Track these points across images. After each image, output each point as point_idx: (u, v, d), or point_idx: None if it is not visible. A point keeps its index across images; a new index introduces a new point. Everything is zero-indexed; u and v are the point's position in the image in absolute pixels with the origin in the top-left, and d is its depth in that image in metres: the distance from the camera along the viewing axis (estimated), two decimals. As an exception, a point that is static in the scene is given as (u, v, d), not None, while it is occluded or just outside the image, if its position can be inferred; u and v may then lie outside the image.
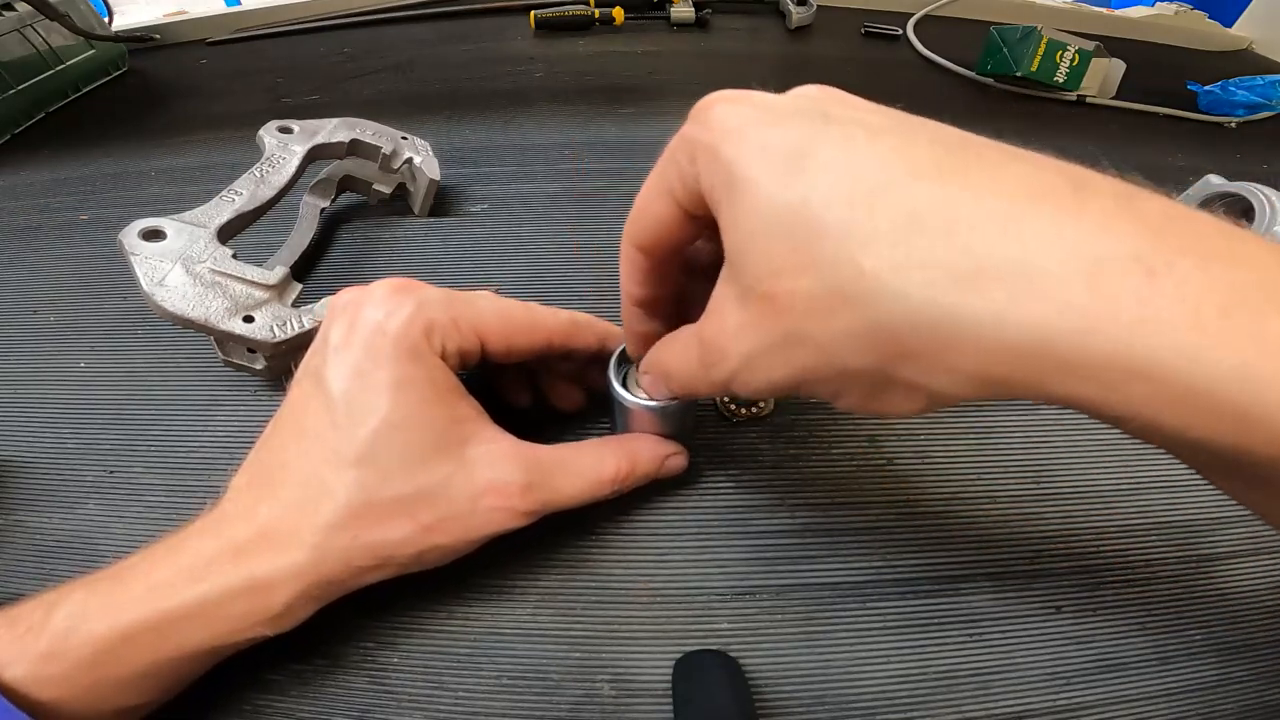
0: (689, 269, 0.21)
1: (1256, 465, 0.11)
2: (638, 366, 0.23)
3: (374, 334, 0.20)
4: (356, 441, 0.19)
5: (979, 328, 0.12)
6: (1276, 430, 0.11)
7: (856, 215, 0.13)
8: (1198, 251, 0.11)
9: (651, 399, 0.23)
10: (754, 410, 0.27)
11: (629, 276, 0.20)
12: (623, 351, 0.24)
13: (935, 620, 0.22)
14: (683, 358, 0.19)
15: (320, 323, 0.26)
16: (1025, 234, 0.12)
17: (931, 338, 0.12)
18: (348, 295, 0.21)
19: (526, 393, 0.27)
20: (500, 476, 0.20)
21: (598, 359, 0.25)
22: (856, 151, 0.14)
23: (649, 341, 0.21)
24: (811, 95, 0.17)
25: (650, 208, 0.18)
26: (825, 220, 0.13)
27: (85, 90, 0.57)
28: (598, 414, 0.28)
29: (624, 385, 0.23)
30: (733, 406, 0.27)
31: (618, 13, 0.66)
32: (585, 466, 0.22)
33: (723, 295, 0.16)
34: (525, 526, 0.21)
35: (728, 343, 0.16)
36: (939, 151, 0.13)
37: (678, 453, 0.24)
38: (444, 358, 0.20)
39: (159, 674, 0.18)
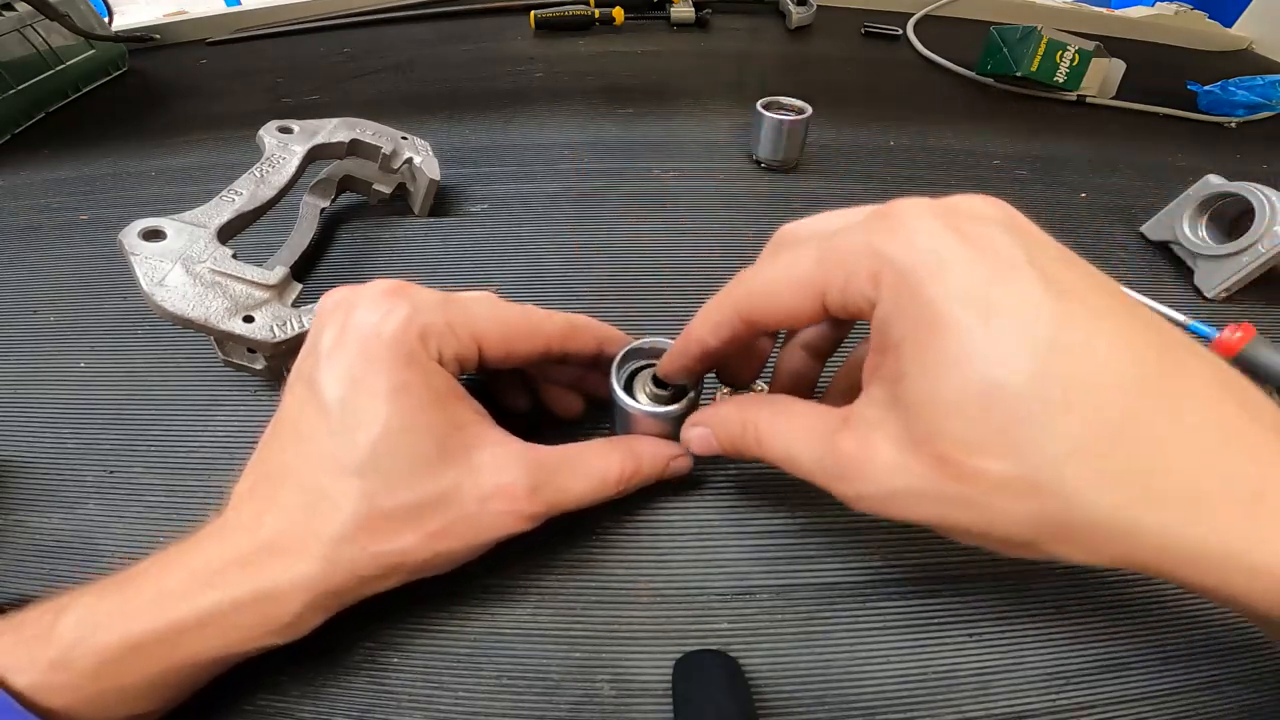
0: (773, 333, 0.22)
1: None
2: (660, 378, 0.23)
3: (368, 338, 0.19)
4: (358, 450, 0.18)
5: (1143, 534, 0.14)
6: None
7: (1070, 419, 0.13)
8: None
9: (654, 405, 0.23)
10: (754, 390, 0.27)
11: (713, 333, 0.20)
12: (624, 355, 0.24)
13: (935, 620, 0.22)
14: (797, 442, 0.19)
15: (320, 323, 0.26)
16: (1211, 465, 0.14)
17: (1096, 533, 0.14)
18: (338, 295, 0.21)
19: (524, 396, 0.27)
20: (506, 480, 0.20)
21: (596, 363, 0.24)
22: (1075, 335, 0.14)
23: (691, 374, 0.22)
24: (1000, 221, 0.15)
25: (782, 295, 0.18)
26: (1034, 412, 0.14)
27: (85, 90, 0.57)
28: (597, 417, 0.28)
29: (626, 390, 0.23)
30: (727, 392, 0.27)
31: (618, 13, 0.66)
32: (590, 467, 0.22)
33: (881, 425, 0.16)
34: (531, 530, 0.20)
35: (875, 472, 0.16)
36: (1151, 354, 0.14)
37: (682, 454, 0.24)
38: (441, 363, 0.20)
39: (167, 683, 0.18)
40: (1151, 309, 0.33)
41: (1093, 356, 0.14)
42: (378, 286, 0.20)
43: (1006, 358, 0.14)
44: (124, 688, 0.17)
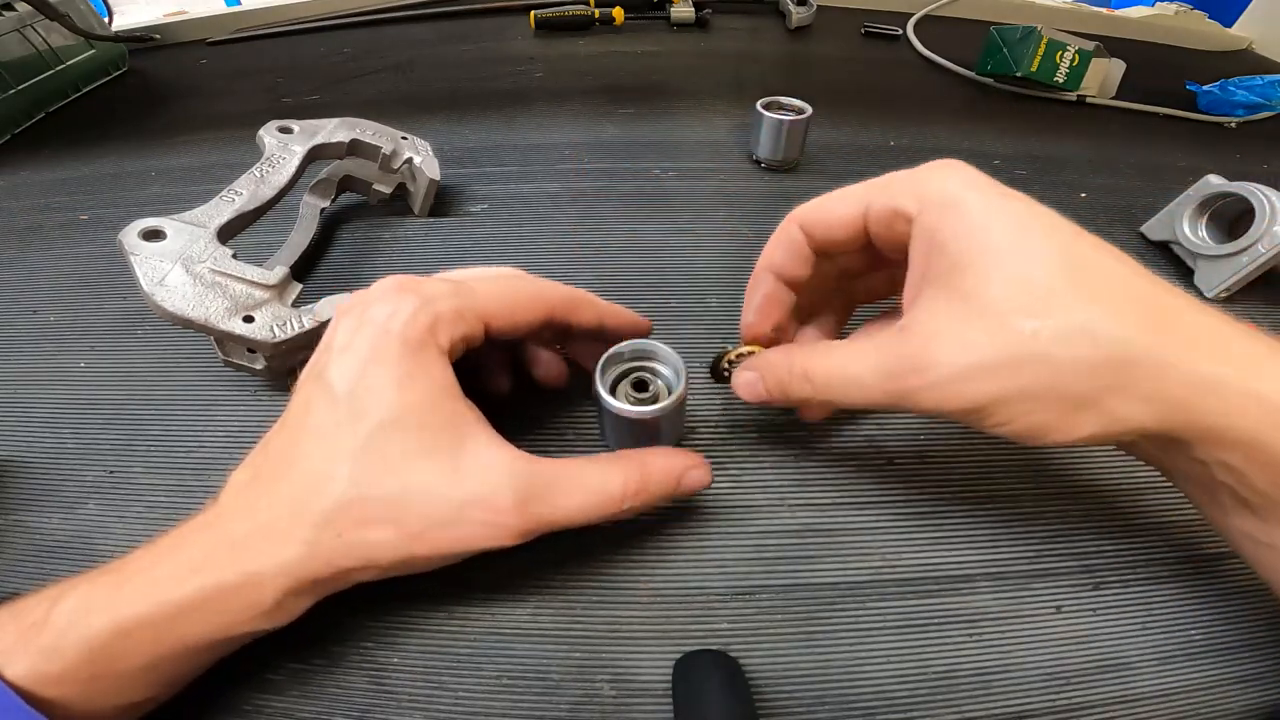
0: (822, 287, 0.25)
1: None
2: (738, 352, 0.25)
3: (379, 333, 0.20)
4: (358, 436, 0.19)
5: (1175, 371, 0.16)
6: None
7: (1101, 283, 0.17)
8: None
9: (636, 407, 0.23)
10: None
11: (776, 244, 0.23)
12: (606, 359, 0.24)
13: (935, 620, 0.22)
14: (854, 362, 0.20)
15: (320, 322, 0.26)
16: (1213, 325, 0.17)
17: (1140, 371, 0.16)
18: (354, 298, 0.21)
19: (506, 376, 0.27)
20: (490, 489, 0.19)
21: (598, 336, 0.24)
22: (1084, 239, 0.19)
23: (762, 312, 0.24)
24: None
25: (834, 206, 0.22)
26: (1071, 281, 0.17)
27: (85, 90, 0.57)
28: (594, 418, 0.28)
29: (611, 393, 0.23)
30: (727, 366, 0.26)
31: (618, 13, 0.66)
32: (590, 481, 0.21)
33: (944, 316, 0.18)
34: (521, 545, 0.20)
35: (944, 355, 0.18)
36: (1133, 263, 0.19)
37: (697, 465, 0.23)
38: (450, 349, 0.20)
39: (159, 669, 0.18)
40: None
41: (1101, 251, 0.18)
42: (389, 283, 0.21)
43: (1041, 246, 0.18)
44: (115, 674, 0.17)
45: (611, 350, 0.24)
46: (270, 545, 0.18)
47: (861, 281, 0.26)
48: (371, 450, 0.19)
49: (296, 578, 0.18)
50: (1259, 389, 0.16)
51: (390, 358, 0.19)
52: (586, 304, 0.24)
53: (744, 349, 0.25)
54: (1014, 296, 0.17)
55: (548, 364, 0.27)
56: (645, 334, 0.26)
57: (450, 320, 0.20)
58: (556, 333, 0.24)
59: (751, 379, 0.23)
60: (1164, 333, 0.17)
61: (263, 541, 0.18)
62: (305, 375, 0.21)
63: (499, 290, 0.22)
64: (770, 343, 0.25)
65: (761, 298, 0.24)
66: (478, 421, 0.21)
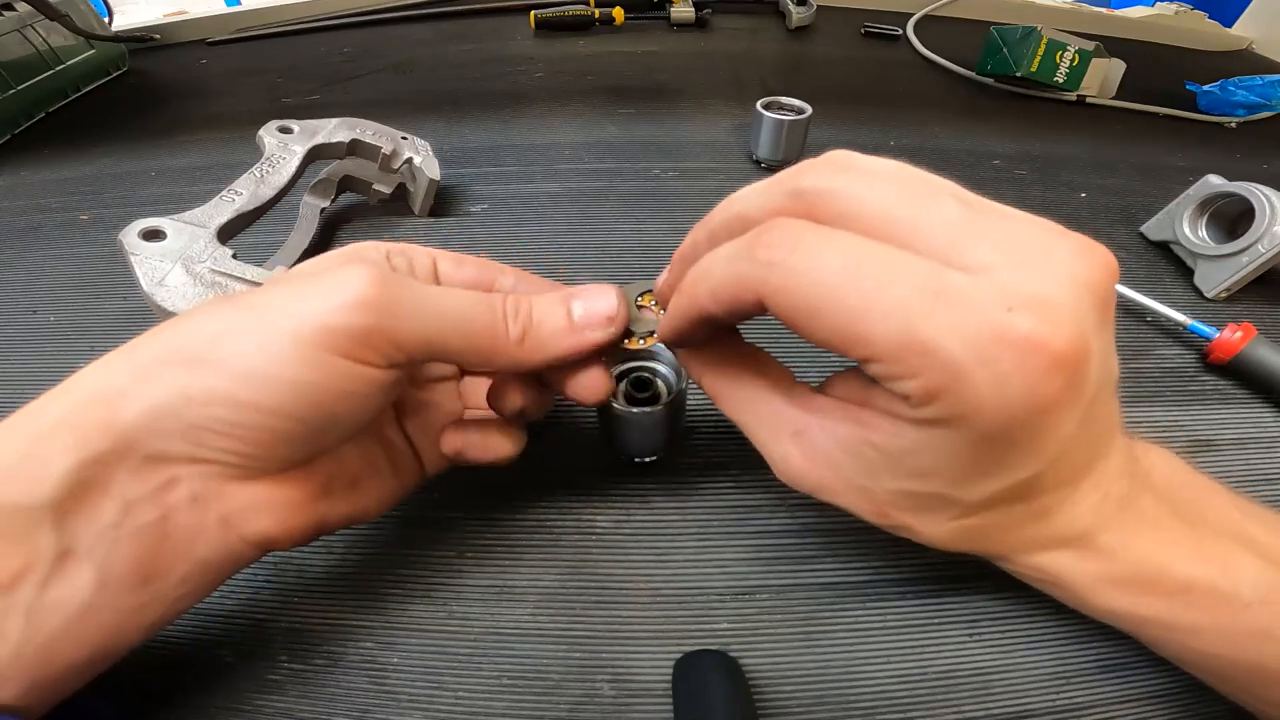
0: None
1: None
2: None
3: (279, 310, 0.16)
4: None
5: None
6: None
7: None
8: None
9: (636, 406, 0.23)
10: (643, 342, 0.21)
11: (723, 305, 0.16)
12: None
13: (935, 620, 0.22)
14: (749, 415, 0.19)
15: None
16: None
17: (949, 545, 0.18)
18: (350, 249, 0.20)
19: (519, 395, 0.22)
20: (347, 266, 0.16)
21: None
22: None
23: (676, 336, 0.19)
24: (1101, 334, 0.14)
25: (820, 323, 0.14)
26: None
27: (85, 90, 0.57)
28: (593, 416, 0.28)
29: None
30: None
31: (618, 13, 0.66)
32: (449, 290, 0.18)
33: (844, 468, 0.17)
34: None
35: (812, 486, 0.18)
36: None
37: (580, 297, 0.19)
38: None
39: None
40: (1152, 309, 0.33)
41: (1026, 483, 0.16)
42: (338, 253, 0.19)
43: (976, 489, 0.16)
44: None
45: None
46: (79, 378, 0.16)
47: None
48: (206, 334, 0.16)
49: (67, 401, 0.16)
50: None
51: (287, 345, 0.16)
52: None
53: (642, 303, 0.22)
54: (909, 501, 0.17)
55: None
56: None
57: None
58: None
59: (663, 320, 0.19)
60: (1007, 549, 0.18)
61: (71, 381, 0.16)
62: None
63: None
64: None
65: (674, 330, 0.19)
66: None
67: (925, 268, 0.13)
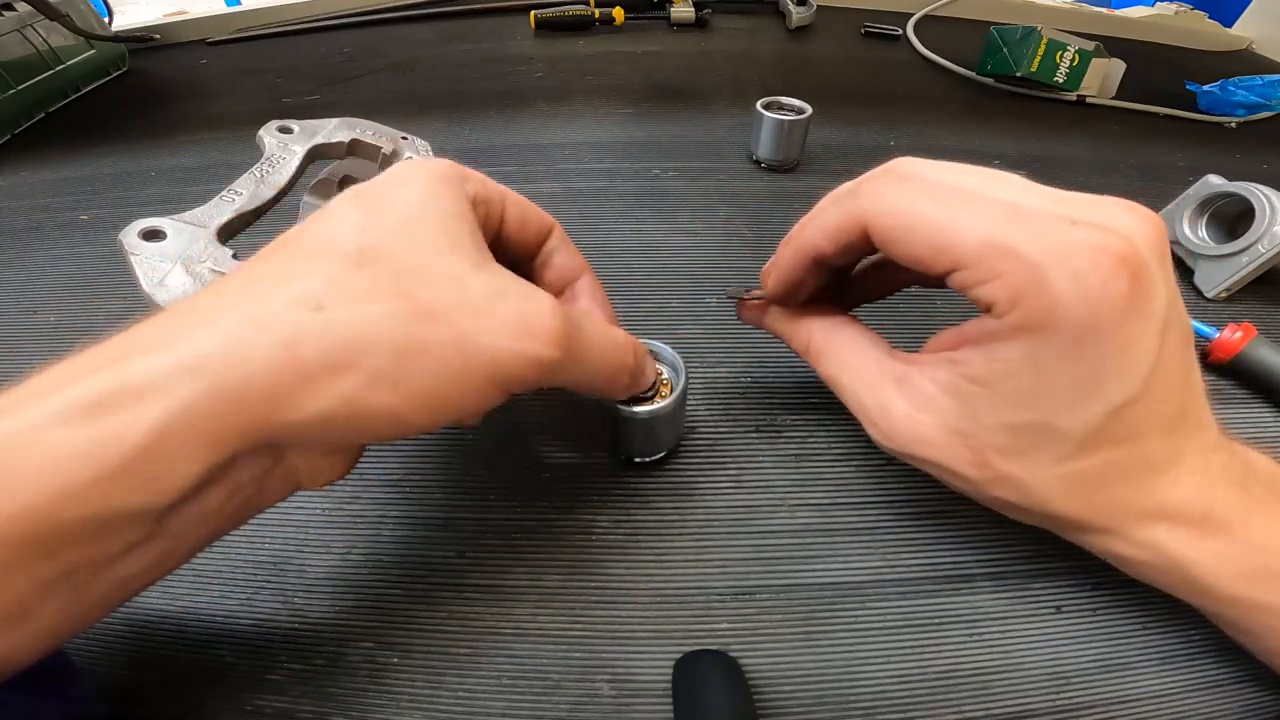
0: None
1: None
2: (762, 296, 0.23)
3: (404, 174, 0.17)
4: (361, 236, 0.15)
5: (1088, 527, 0.18)
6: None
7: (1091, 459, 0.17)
8: None
9: (637, 406, 0.23)
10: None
11: (830, 236, 0.19)
12: None
13: (935, 620, 0.22)
14: (846, 373, 0.20)
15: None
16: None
17: (1048, 521, 0.19)
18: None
19: None
20: (527, 289, 0.16)
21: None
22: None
23: (791, 292, 0.22)
24: (1162, 266, 0.16)
25: (940, 225, 0.16)
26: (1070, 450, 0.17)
27: (85, 90, 0.57)
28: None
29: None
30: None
31: (618, 13, 0.66)
32: (609, 329, 0.20)
33: (934, 410, 0.18)
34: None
35: (916, 438, 0.19)
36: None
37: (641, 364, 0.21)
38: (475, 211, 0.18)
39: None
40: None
41: (1131, 425, 0.16)
42: (408, 161, 0.19)
43: (1079, 416, 0.16)
44: None
45: None
46: (175, 335, 0.13)
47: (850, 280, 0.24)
48: (380, 240, 0.15)
49: (204, 388, 0.12)
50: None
51: (418, 181, 0.17)
52: (573, 249, 0.23)
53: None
54: (997, 439, 0.17)
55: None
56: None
57: (477, 183, 0.19)
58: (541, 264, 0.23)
59: (758, 310, 0.24)
60: (1108, 512, 0.18)
61: (167, 334, 0.13)
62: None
63: (515, 195, 0.21)
64: None
65: (785, 280, 0.22)
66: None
67: (1001, 198, 0.16)
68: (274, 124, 0.34)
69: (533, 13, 0.66)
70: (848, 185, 0.19)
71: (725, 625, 0.22)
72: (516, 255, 0.22)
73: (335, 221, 0.16)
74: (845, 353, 0.21)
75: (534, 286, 0.17)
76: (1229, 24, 0.74)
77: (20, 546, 0.11)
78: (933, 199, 0.16)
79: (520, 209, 0.21)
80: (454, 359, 0.14)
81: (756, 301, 0.24)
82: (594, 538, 0.24)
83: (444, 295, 0.14)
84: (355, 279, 0.14)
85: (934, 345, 0.19)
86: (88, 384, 0.12)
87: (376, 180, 0.17)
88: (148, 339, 0.13)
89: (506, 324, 0.15)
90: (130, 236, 0.26)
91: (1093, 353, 0.15)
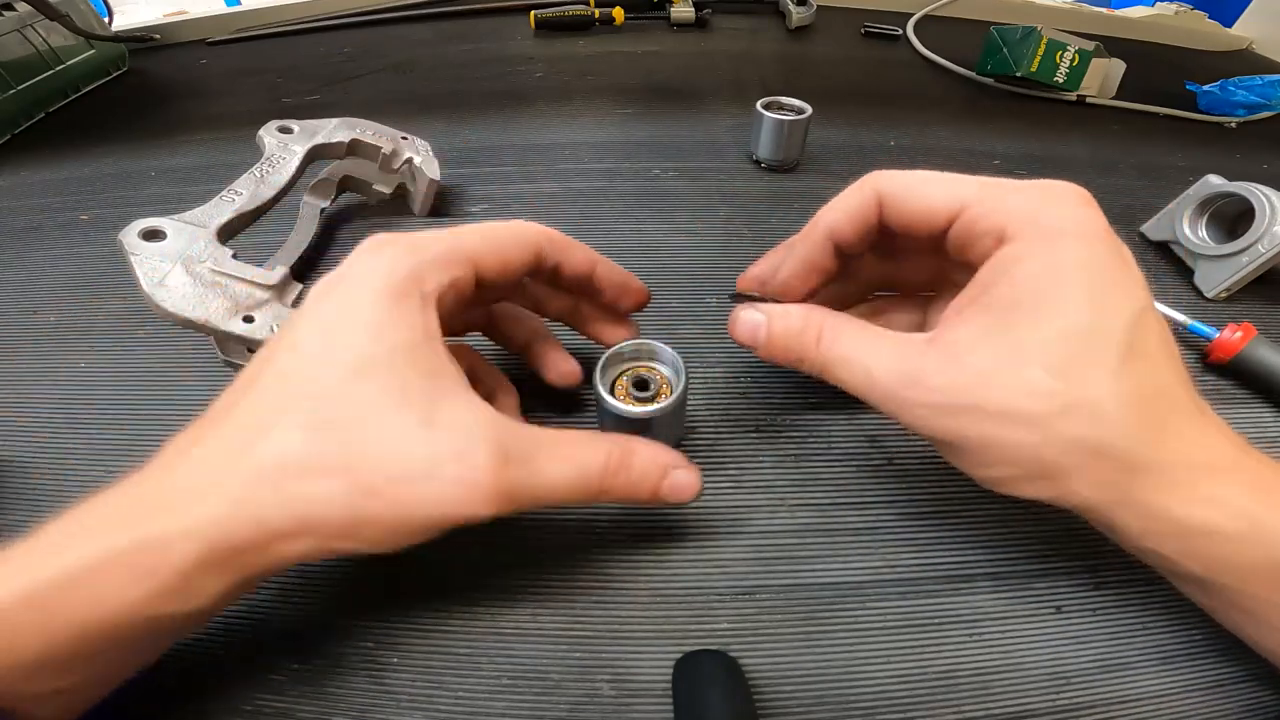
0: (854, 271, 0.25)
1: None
2: (743, 300, 0.23)
3: (355, 284, 0.18)
4: (319, 383, 0.17)
5: (1161, 517, 0.17)
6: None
7: (1135, 370, 0.17)
8: None
9: (636, 406, 0.23)
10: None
11: (848, 217, 0.22)
12: (607, 359, 0.24)
13: (935, 620, 0.22)
14: (870, 349, 0.20)
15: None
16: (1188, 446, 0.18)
17: (1104, 467, 0.17)
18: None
19: (512, 395, 0.25)
20: (467, 443, 0.17)
21: (588, 287, 0.24)
22: (1148, 316, 0.18)
23: (800, 276, 0.23)
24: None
25: (931, 192, 0.20)
26: (1114, 360, 0.17)
27: (85, 90, 0.57)
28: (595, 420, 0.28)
29: (610, 392, 0.23)
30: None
31: (618, 13, 0.66)
32: (573, 451, 0.19)
33: (975, 348, 0.18)
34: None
35: (955, 384, 0.18)
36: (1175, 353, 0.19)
37: (685, 466, 0.21)
38: (439, 296, 0.19)
39: (53, 656, 0.15)
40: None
41: (1155, 339, 0.18)
42: (369, 240, 0.20)
43: (1112, 316, 0.17)
44: (9, 662, 0.15)
45: (612, 349, 0.24)
46: (184, 504, 0.16)
47: (862, 266, 0.25)
48: (333, 397, 0.17)
49: (209, 542, 0.15)
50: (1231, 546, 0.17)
51: (364, 306, 0.18)
52: (577, 246, 0.23)
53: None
54: (1052, 353, 0.17)
55: (557, 363, 0.25)
56: (643, 300, 0.26)
57: (437, 265, 0.19)
58: (550, 280, 0.23)
59: (755, 320, 0.22)
60: (1161, 449, 0.17)
61: (176, 500, 0.16)
62: (276, 332, 0.19)
63: (486, 230, 0.21)
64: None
65: (804, 261, 0.23)
66: (458, 376, 0.19)
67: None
68: (274, 124, 0.34)
69: (533, 13, 0.66)
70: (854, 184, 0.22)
71: (725, 625, 0.22)
72: (509, 287, 0.23)
73: (296, 360, 0.18)
74: (859, 335, 0.20)
75: (483, 436, 0.17)
76: (1229, 24, 0.74)
77: (97, 638, 0.15)
78: (932, 174, 0.20)
79: (499, 256, 0.21)
80: (397, 523, 0.17)
81: (757, 302, 0.23)
82: (594, 538, 0.24)
83: (386, 468, 0.16)
84: (309, 449, 0.16)
85: (949, 312, 0.20)
86: (131, 532, 0.16)
87: (334, 298, 0.18)
88: (164, 497, 0.16)
89: (445, 491, 0.17)
90: (130, 236, 0.27)
91: (1101, 255, 0.18)
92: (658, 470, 0.20)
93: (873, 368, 0.20)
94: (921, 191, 0.20)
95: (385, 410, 0.17)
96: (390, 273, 0.18)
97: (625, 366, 0.25)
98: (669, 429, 0.24)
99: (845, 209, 0.22)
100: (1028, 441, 0.17)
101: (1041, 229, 0.18)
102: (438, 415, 0.17)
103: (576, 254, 0.23)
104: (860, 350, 0.20)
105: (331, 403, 0.17)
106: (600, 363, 0.23)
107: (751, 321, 0.22)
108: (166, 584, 0.15)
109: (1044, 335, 0.17)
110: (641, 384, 0.24)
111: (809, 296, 0.24)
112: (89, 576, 0.15)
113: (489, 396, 0.24)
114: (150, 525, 0.16)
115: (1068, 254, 0.18)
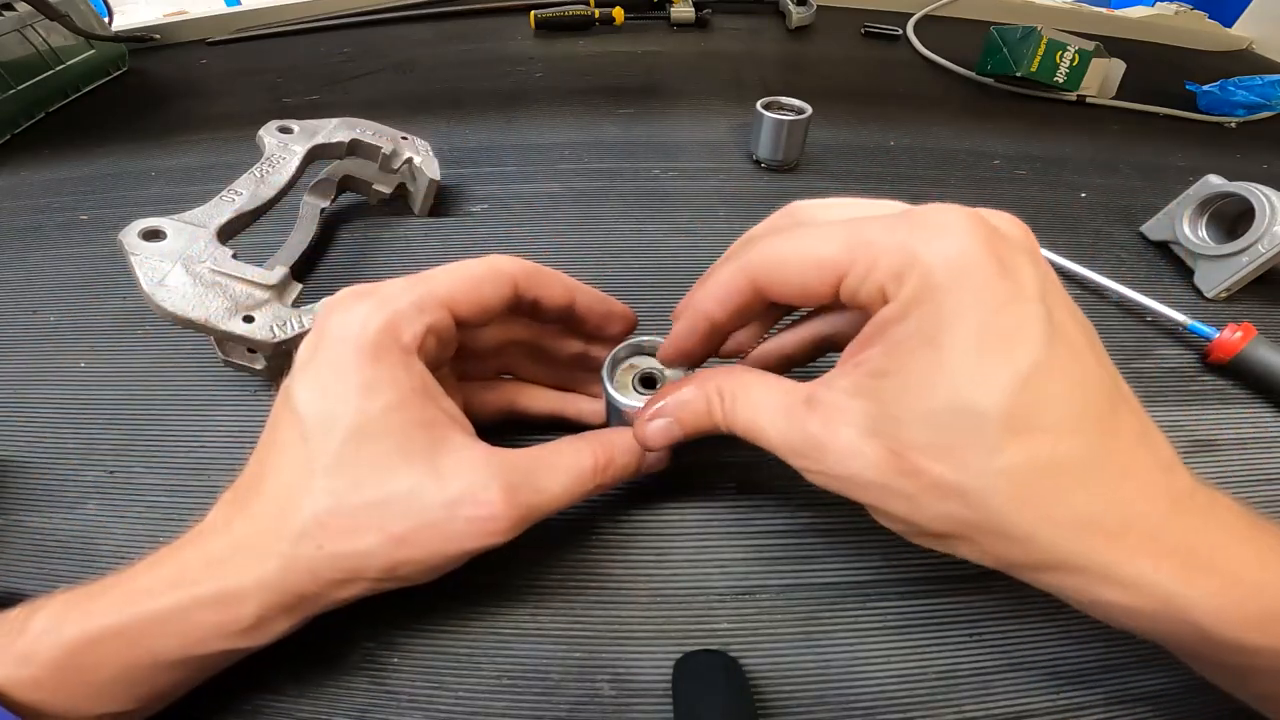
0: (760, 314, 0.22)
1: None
2: (659, 364, 0.24)
3: (336, 343, 0.19)
4: (326, 453, 0.19)
5: (1038, 546, 0.16)
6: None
7: (1014, 449, 0.15)
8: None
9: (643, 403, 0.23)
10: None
11: (721, 304, 0.20)
12: (614, 356, 0.24)
13: (935, 620, 0.22)
14: (763, 415, 0.19)
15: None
16: (1109, 502, 0.16)
17: (999, 540, 0.16)
18: (323, 304, 0.21)
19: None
20: (476, 484, 0.19)
21: (570, 318, 0.24)
22: (1049, 379, 0.15)
23: (692, 356, 0.22)
24: (1027, 250, 0.16)
25: (806, 271, 0.18)
26: (989, 435, 0.15)
27: (85, 90, 0.57)
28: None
29: (617, 390, 0.23)
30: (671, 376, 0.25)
31: (618, 13, 0.66)
32: (565, 461, 0.21)
33: (848, 414, 0.17)
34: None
35: (835, 455, 0.17)
36: (1103, 404, 0.16)
37: (656, 419, 0.22)
38: (420, 347, 0.20)
39: (131, 681, 0.18)
40: (1152, 309, 0.33)
41: (1054, 400, 0.15)
42: (343, 293, 0.20)
43: (987, 385, 0.15)
44: (86, 682, 0.17)
45: (618, 348, 0.24)
46: (247, 560, 0.18)
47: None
48: (344, 462, 0.18)
49: (277, 592, 0.18)
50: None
51: (350, 367, 0.19)
52: (552, 277, 0.23)
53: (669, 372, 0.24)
54: (919, 429, 0.16)
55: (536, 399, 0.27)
56: (630, 325, 0.25)
57: (411, 315, 0.20)
58: (531, 314, 0.23)
59: (664, 425, 0.21)
60: (1055, 528, 0.16)
61: (240, 557, 0.18)
62: (280, 391, 0.20)
63: (458, 271, 0.21)
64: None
65: (690, 338, 0.22)
66: (451, 421, 0.20)
67: (850, 215, 0.19)
68: (274, 124, 0.34)
69: (533, 13, 0.66)
70: (734, 245, 0.22)
71: (725, 625, 0.22)
72: (491, 319, 0.23)
73: (304, 427, 0.19)
74: (756, 391, 0.20)
75: (488, 474, 0.19)
76: (1229, 24, 0.74)
77: (167, 667, 0.18)
78: (802, 235, 0.18)
79: (473, 295, 0.21)
80: (430, 562, 0.19)
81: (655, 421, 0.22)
82: (594, 537, 0.24)
83: (410, 519, 0.18)
84: (340, 510, 0.18)
85: (843, 357, 0.19)
86: (212, 585, 0.18)
87: (320, 359, 0.19)
88: (231, 555, 0.19)
89: (467, 529, 0.19)
90: (130, 236, 0.26)
91: (980, 312, 0.15)
92: (635, 454, 0.23)
93: (768, 431, 0.19)
94: (793, 270, 0.18)
95: (395, 468, 0.19)
96: (363, 330, 0.19)
97: (632, 364, 0.25)
98: None
99: (715, 297, 0.20)
100: (905, 512, 0.17)
101: (916, 283, 0.16)
102: (442, 465, 0.19)
103: (554, 286, 0.23)
104: (754, 413, 0.19)
105: (346, 467, 0.18)
106: (607, 360, 0.24)
107: (661, 428, 0.21)
108: (242, 626, 0.18)
109: (916, 411, 0.16)
110: (649, 381, 0.24)
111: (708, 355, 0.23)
112: (178, 618, 0.18)
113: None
114: (226, 579, 0.18)
115: (943, 310, 0.15)
